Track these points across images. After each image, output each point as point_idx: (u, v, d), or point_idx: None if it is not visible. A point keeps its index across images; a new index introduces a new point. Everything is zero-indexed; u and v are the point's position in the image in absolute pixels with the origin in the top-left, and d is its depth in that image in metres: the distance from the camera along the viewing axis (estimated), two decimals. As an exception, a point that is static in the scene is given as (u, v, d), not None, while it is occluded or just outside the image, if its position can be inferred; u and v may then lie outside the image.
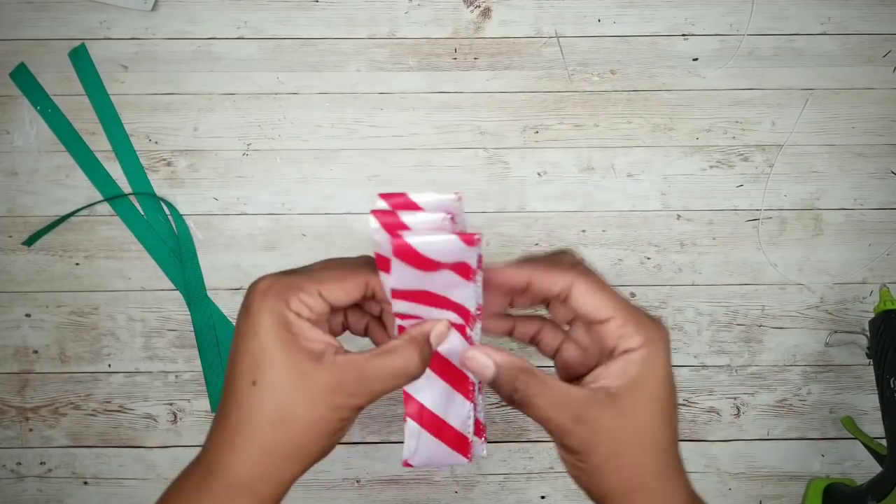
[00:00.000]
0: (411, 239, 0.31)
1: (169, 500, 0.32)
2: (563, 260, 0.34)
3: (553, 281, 0.32)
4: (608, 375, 0.31)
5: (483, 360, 0.33)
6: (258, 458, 0.30)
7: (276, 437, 0.30)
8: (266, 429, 0.30)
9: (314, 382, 0.30)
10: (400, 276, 0.32)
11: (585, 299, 0.32)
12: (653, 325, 0.32)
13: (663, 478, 0.32)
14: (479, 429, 0.37)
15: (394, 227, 0.32)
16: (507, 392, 0.32)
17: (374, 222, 0.32)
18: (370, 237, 0.32)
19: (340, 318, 0.36)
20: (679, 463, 0.33)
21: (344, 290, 0.33)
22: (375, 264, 0.33)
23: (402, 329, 0.35)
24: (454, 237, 0.31)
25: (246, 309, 0.31)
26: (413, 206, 0.33)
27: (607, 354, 0.32)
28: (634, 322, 0.31)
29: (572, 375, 0.36)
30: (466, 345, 0.35)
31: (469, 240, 0.31)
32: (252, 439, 0.30)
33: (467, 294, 0.33)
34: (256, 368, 0.30)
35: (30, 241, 0.66)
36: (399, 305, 0.33)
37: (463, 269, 0.32)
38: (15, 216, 0.67)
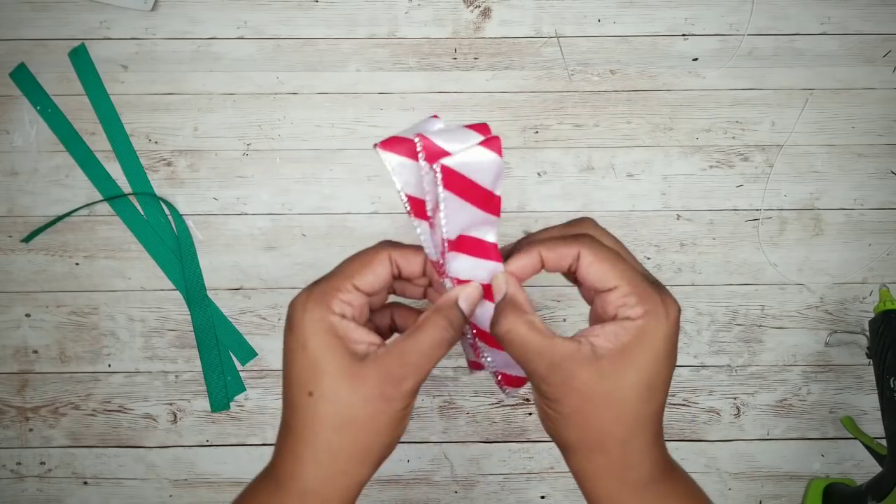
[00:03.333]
0: (450, 161, 0.30)
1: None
2: (573, 230, 0.34)
3: (561, 255, 0.32)
4: (600, 334, 0.31)
5: (501, 283, 0.33)
6: (326, 466, 0.31)
7: (340, 442, 0.31)
8: (329, 436, 0.31)
9: (364, 381, 0.31)
10: (450, 211, 0.32)
11: (590, 269, 0.32)
12: (658, 298, 0.31)
13: (627, 446, 0.32)
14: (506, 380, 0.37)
15: (435, 154, 0.31)
16: (497, 319, 0.32)
17: (396, 158, 0.32)
18: (391, 178, 0.32)
19: (387, 319, 0.37)
20: (654, 437, 0.32)
21: (373, 273, 0.33)
22: (411, 212, 0.33)
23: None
24: (479, 147, 0.31)
25: (290, 325, 0.32)
26: (420, 137, 0.32)
27: (605, 317, 0.32)
28: (639, 293, 0.31)
29: None
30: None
31: (492, 142, 0.31)
32: (317, 448, 0.31)
33: (492, 229, 0.33)
34: (310, 380, 0.31)
35: (28, 239, 0.66)
36: (445, 265, 0.33)
37: (490, 201, 0.32)
38: (15, 216, 0.67)
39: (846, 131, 0.68)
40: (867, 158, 0.68)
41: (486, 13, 0.68)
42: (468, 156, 0.30)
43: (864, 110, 0.68)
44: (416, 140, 0.31)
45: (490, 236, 0.33)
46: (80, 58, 0.67)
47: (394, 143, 0.31)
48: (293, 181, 0.67)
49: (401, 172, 0.32)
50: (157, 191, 0.67)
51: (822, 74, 0.68)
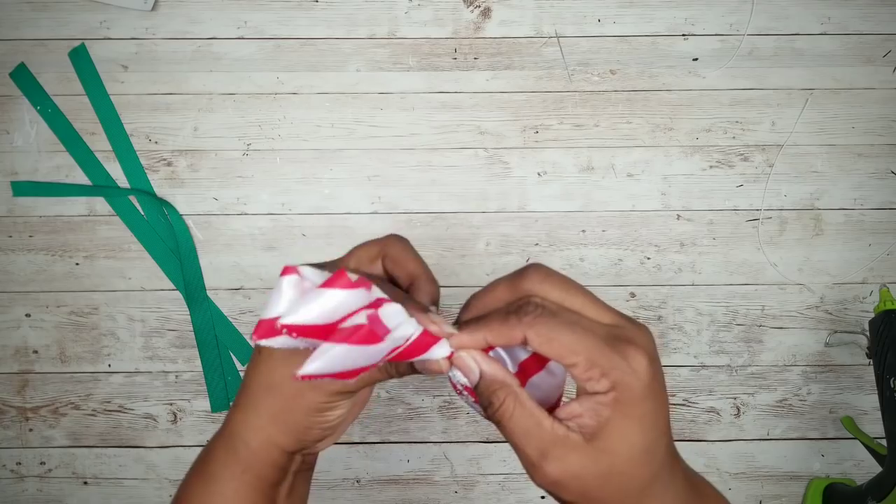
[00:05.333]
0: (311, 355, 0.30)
1: (202, 453, 0.36)
2: (518, 290, 0.32)
3: (509, 337, 0.31)
4: (582, 413, 0.30)
5: (469, 363, 0.32)
6: (253, 420, 0.34)
7: (265, 402, 0.34)
8: (257, 391, 0.34)
9: (300, 361, 0.32)
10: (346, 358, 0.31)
11: (543, 349, 0.30)
12: (620, 360, 0.29)
13: None
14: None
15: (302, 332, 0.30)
16: (484, 404, 0.32)
17: (279, 341, 0.31)
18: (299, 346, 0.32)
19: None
20: (669, 477, 0.31)
21: (367, 253, 0.35)
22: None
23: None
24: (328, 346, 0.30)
25: None
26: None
27: (580, 390, 0.31)
28: (600, 364, 0.29)
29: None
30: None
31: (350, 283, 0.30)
32: (247, 397, 0.35)
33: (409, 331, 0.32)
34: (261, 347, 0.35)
35: (17, 191, 0.66)
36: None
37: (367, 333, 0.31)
38: (15, 216, 0.67)
39: (846, 131, 0.68)
40: (867, 158, 0.68)
41: (486, 13, 0.68)
42: (321, 356, 0.30)
43: (864, 110, 0.68)
44: (280, 328, 0.30)
45: (410, 333, 0.31)
46: (80, 58, 0.67)
47: (263, 331, 0.31)
48: (293, 181, 0.67)
49: (295, 343, 0.31)
50: (158, 191, 0.67)
51: (822, 74, 0.68)
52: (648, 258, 0.68)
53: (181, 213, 0.67)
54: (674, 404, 0.68)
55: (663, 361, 0.68)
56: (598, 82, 0.68)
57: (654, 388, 0.30)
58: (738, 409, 0.68)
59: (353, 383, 0.33)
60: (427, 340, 0.32)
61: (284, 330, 0.30)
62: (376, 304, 0.30)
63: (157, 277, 0.67)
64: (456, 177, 0.68)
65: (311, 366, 0.30)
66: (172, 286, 0.67)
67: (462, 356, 0.32)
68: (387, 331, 0.31)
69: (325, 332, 0.31)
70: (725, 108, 0.68)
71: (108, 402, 0.68)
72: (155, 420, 0.68)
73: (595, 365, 0.29)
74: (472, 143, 0.68)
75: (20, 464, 0.68)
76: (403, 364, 0.33)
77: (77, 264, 0.67)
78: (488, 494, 0.68)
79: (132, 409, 0.68)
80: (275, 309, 0.31)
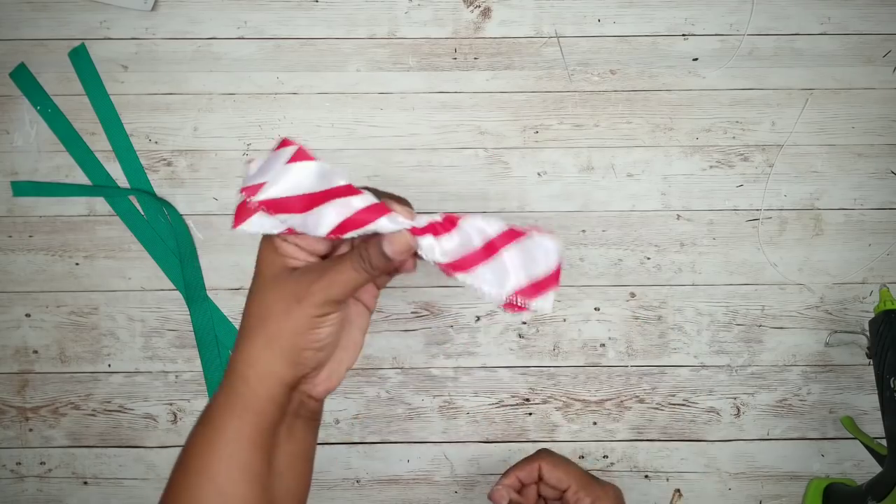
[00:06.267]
0: (264, 195, 0.35)
1: (208, 403, 0.38)
2: (533, 456, 0.52)
3: (531, 469, 0.51)
4: None
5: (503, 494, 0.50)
6: (247, 352, 0.36)
7: (257, 332, 0.36)
8: (251, 326, 0.37)
9: (285, 284, 0.36)
10: (308, 222, 0.36)
11: (551, 474, 0.50)
12: (599, 489, 0.49)
13: None
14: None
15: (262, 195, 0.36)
16: None
17: (255, 222, 0.37)
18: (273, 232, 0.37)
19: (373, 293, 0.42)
20: None
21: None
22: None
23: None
24: (286, 166, 0.36)
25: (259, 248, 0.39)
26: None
27: None
28: (586, 488, 0.49)
29: None
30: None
31: (297, 154, 0.36)
32: (243, 337, 0.37)
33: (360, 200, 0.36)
34: (253, 283, 0.38)
35: (17, 191, 0.66)
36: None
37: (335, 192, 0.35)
38: (15, 216, 0.67)
39: (846, 131, 0.68)
40: (867, 158, 0.68)
41: (486, 13, 0.68)
42: (273, 184, 0.35)
43: (864, 110, 0.68)
44: (243, 195, 0.36)
45: (359, 201, 0.35)
46: (80, 58, 0.67)
47: (240, 216, 0.36)
48: (293, 181, 0.67)
49: (269, 225, 0.36)
50: (158, 191, 0.67)
51: (822, 74, 0.68)
52: (648, 258, 0.68)
53: (181, 213, 0.67)
54: (674, 404, 0.68)
55: (663, 361, 0.68)
56: (598, 82, 0.68)
57: None
58: (738, 409, 0.68)
59: (337, 279, 0.35)
60: (379, 209, 0.35)
61: (262, 207, 0.35)
62: (348, 190, 0.35)
63: (157, 277, 0.67)
64: (456, 177, 0.68)
65: (263, 193, 0.35)
66: (172, 286, 0.67)
67: (499, 496, 0.52)
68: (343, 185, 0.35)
69: (299, 203, 0.35)
70: (725, 108, 0.68)
71: (108, 402, 0.68)
72: (155, 420, 0.68)
73: (582, 488, 0.49)
74: (472, 143, 0.68)
75: (20, 464, 0.68)
76: (374, 251, 0.35)
77: (77, 264, 0.67)
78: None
79: (132, 409, 0.68)
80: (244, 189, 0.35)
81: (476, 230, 0.35)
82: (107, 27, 0.67)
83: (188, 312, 0.67)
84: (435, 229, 0.35)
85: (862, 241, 0.68)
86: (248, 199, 0.35)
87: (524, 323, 0.68)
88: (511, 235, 0.36)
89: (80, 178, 0.67)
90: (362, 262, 0.35)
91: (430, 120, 0.67)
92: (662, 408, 0.68)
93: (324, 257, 0.38)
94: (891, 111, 0.68)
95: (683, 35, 0.68)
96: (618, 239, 0.68)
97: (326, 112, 0.67)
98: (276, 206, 0.35)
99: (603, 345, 0.68)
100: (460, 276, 0.35)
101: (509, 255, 0.35)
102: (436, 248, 0.35)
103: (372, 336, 0.68)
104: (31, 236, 0.67)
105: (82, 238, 0.67)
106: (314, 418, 0.40)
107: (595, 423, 0.68)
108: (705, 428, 0.68)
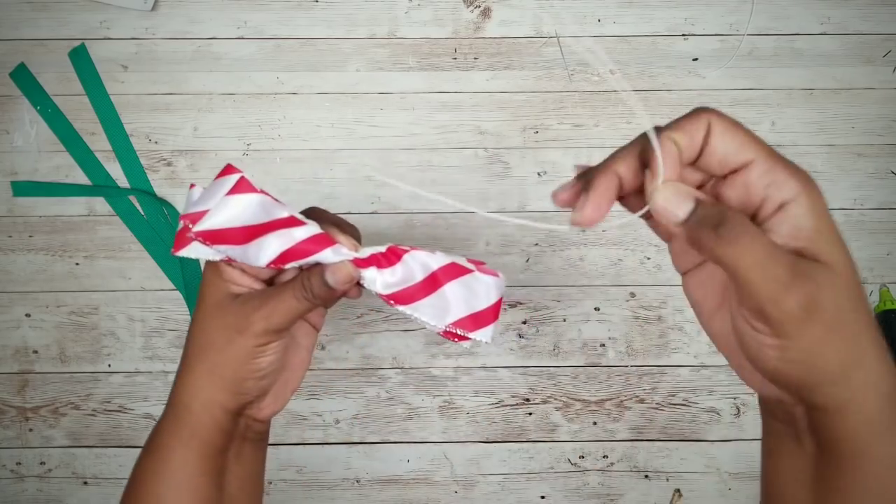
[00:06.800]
0: (202, 226, 0.35)
1: (152, 430, 0.38)
2: (693, 113, 0.29)
3: (694, 129, 0.27)
4: (787, 235, 0.25)
5: (678, 194, 0.27)
6: (190, 383, 0.36)
7: (199, 361, 0.36)
8: (193, 356, 0.36)
9: (227, 313, 0.36)
10: (249, 253, 0.35)
11: (724, 138, 0.27)
12: (802, 171, 0.26)
13: (879, 344, 0.26)
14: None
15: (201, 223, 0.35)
16: (711, 225, 0.26)
17: (193, 249, 0.36)
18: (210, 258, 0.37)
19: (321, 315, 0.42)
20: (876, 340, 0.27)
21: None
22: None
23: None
24: (226, 199, 0.35)
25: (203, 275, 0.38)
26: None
27: (756, 207, 0.26)
28: (783, 165, 0.26)
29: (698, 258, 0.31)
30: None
31: (239, 184, 0.35)
32: (185, 366, 0.37)
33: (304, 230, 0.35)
34: (196, 310, 0.37)
35: (17, 191, 0.66)
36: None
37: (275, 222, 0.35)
38: (15, 216, 0.67)
39: (846, 131, 0.68)
40: (867, 158, 0.68)
41: (486, 13, 0.68)
42: (213, 215, 0.34)
43: (864, 110, 0.68)
44: (182, 223, 0.35)
45: (301, 232, 0.35)
46: (80, 58, 0.67)
47: (180, 243, 0.35)
48: (293, 181, 0.67)
49: (209, 252, 0.36)
50: (158, 191, 0.67)
51: (822, 74, 0.68)
52: (648, 258, 0.68)
53: (181, 213, 0.67)
54: (674, 404, 0.68)
55: (663, 361, 0.68)
56: (598, 82, 0.68)
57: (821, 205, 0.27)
58: (738, 409, 0.68)
59: (278, 308, 0.35)
60: (322, 240, 0.34)
61: (199, 238, 0.34)
62: (291, 222, 0.35)
63: (157, 277, 0.67)
64: (456, 177, 0.68)
65: (202, 224, 0.34)
66: (172, 286, 0.67)
67: (667, 188, 0.27)
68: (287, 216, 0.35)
69: (238, 235, 0.34)
70: (725, 108, 0.68)
71: (108, 402, 0.68)
72: (155, 420, 0.68)
73: (778, 165, 0.26)
74: (472, 142, 0.68)
75: (20, 464, 0.68)
76: (316, 281, 0.34)
77: (77, 264, 0.67)
78: (488, 494, 0.68)
79: (132, 409, 0.68)
80: (183, 218, 0.35)
81: (419, 264, 0.36)
82: (107, 27, 0.67)
83: (188, 312, 0.67)
84: (378, 261, 0.36)
85: (862, 241, 0.68)
86: (187, 226, 0.35)
87: (524, 323, 0.68)
88: (454, 270, 0.36)
89: (80, 178, 0.67)
90: (304, 291, 0.35)
91: (430, 120, 0.67)
92: (662, 408, 0.68)
93: (269, 282, 0.38)
94: (891, 111, 0.68)
95: (683, 35, 0.68)
96: (618, 239, 0.68)
97: (326, 112, 0.67)
98: (214, 238, 0.35)
99: (603, 345, 0.68)
100: (401, 308, 0.36)
101: (451, 289, 0.36)
102: (377, 280, 0.36)
103: (372, 336, 0.68)
104: (31, 236, 0.67)
105: (82, 238, 0.67)
106: (262, 439, 0.40)
107: (595, 423, 0.68)
108: (705, 428, 0.68)
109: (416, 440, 0.68)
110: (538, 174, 0.68)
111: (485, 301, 0.36)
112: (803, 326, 0.25)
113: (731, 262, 0.25)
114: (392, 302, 0.36)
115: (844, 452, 0.27)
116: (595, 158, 0.68)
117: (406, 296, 0.36)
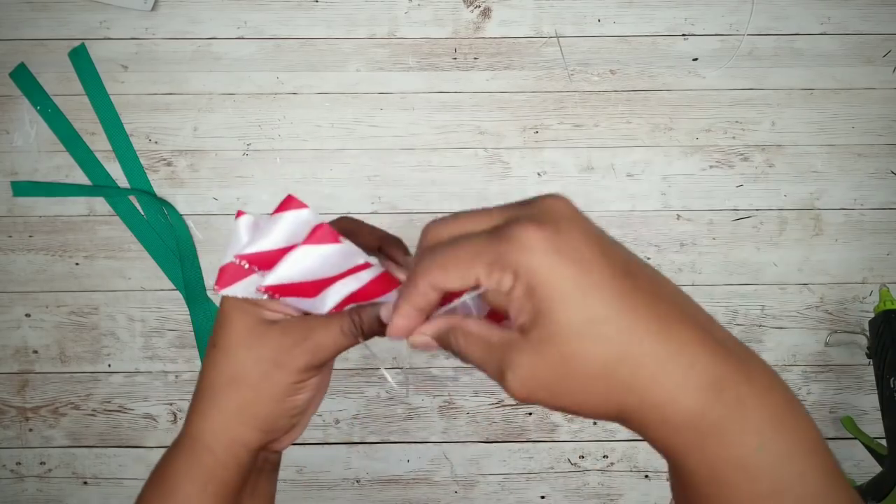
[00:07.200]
0: (271, 279, 0.30)
1: (160, 464, 0.35)
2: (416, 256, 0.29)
3: (421, 294, 0.28)
4: (517, 311, 0.26)
5: (424, 340, 0.29)
6: (213, 419, 0.32)
7: (228, 397, 0.32)
8: (220, 388, 0.32)
9: (263, 343, 0.32)
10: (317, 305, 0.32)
11: (449, 284, 0.27)
12: (509, 248, 0.25)
13: (631, 389, 0.25)
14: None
15: (263, 261, 0.31)
16: (452, 353, 0.29)
17: (239, 288, 0.32)
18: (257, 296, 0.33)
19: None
20: (666, 352, 0.25)
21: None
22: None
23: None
24: (294, 253, 0.30)
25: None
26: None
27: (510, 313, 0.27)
28: (495, 262, 0.25)
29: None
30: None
31: (318, 231, 0.30)
32: (208, 399, 0.32)
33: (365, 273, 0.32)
34: (217, 333, 0.33)
35: (17, 191, 0.66)
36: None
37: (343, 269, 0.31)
38: (15, 216, 0.67)
39: (846, 131, 0.68)
40: (867, 158, 0.68)
41: (486, 13, 0.68)
42: (286, 268, 0.30)
43: (864, 110, 0.68)
44: (238, 262, 0.31)
45: (367, 273, 0.31)
46: (80, 58, 0.67)
47: (226, 278, 0.31)
48: (293, 181, 0.67)
49: (252, 290, 0.32)
50: (158, 191, 0.67)
51: (822, 74, 0.68)
52: (648, 258, 0.68)
53: (181, 213, 0.67)
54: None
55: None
56: (598, 82, 0.68)
57: (564, 254, 0.25)
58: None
59: (324, 344, 0.31)
60: (387, 281, 0.31)
61: (269, 292, 0.30)
62: (362, 266, 0.31)
63: (157, 277, 0.67)
64: (456, 177, 0.68)
65: (272, 276, 0.30)
66: (172, 286, 0.67)
67: (415, 341, 0.29)
68: (353, 259, 0.31)
69: (313, 288, 0.31)
70: (725, 108, 0.68)
71: (108, 402, 0.68)
72: (155, 420, 0.68)
73: (491, 266, 0.25)
74: (472, 143, 0.68)
75: (20, 464, 0.68)
76: (368, 318, 0.31)
77: (77, 264, 0.67)
78: (488, 494, 0.68)
79: (132, 409, 0.68)
80: (235, 249, 0.31)
81: (473, 305, 0.32)
82: (107, 27, 0.67)
83: (188, 312, 0.67)
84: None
85: (862, 241, 0.68)
86: (240, 264, 0.31)
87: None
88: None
89: (80, 178, 0.67)
90: (353, 327, 0.31)
91: (430, 120, 0.67)
92: (662, 408, 0.68)
93: None
94: (891, 111, 0.68)
95: (683, 35, 0.68)
96: (618, 239, 0.68)
97: (326, 112, 0.67)
98: (284, 291, 0.31)
99: (603, 345, 0.68)
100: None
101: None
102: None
103: (372, 336, 0.68)
104: (31, 236, 0.67)
105: (82, 238, 0.67)
106: (275, 469, 0.38)
107: (595, 423, 0.68)
108: (705, 428, 0.68)
109: (416, 440, 0.68)
110: (538, 174, 0.68)
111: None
112: (543, 400, 0.26)
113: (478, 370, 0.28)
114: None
115: (677, 466, 0.26)
116: (595, 158, 0.68)
117: None
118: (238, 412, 0.32)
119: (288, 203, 0.30)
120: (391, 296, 0.31)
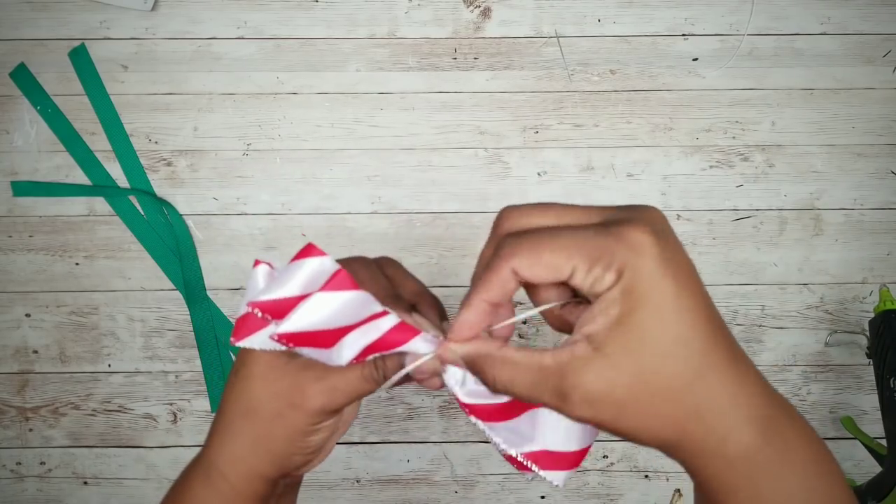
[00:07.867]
0: (285, 327, 0.29)
1: (178, 484, 0.34)
2: (496, 254, 0.27)
3: (501, 283, 0.27)
4: (589, 320, 0.25)
5: (449, 354, 0.29)
6: (229, 447, 0.32)
7: (242, 427, 0.31)
8: (236, 417, 0.32)
9: (281, 378, 0.30)
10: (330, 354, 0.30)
11: (536, 275, 0.25)
12: (621, 247, 0.24)
13: (700, 416, 0.25)
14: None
15: (278, 310, 0.30)
16: (484, 382, 0.28)
17: (256, 340, 0.30)
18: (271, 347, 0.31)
19: None
20: (711, 388, 0.25)
21: (367, 270, 0.33)
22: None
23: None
24: (308, 302, 0.29)
25: None
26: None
27: (592, 300, 0.26)
28: (599, 258, 0.24)
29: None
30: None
31: (336, 278, 0.29)
32: (225, 426, 0.32)
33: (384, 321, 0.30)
34: (239, 359, 0.32)
35: (17, 191, 0.66)
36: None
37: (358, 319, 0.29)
38: (15, 216, 0.67)
39: (846, 131, 0.68)
40: (867, 158, 0.68)
41: (486, 13, 0.68)
42: (300, 315, 0.29)
43: (864, 110, 0.68)
44: (252, 310, 0.29)
45: (386, 322, 0.30)
46: (80, 58, 0.67)
47: (243, 330, 0.30)
48: (293, 181, 0.67)
49: (268, 341, 0.30)
50: (158, 191, 0.67)
51: (822, 74, 0.68)
52: (648, 258, 0.68)
53: (181, 213, 0.67)
54: (674, 404, 0.68)
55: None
56: (598, 82, 0.68)
57: (670, 268, 0.24)
58: (738, 409, 0.68)
59: (341, 387, 0.30)
60: (406, 329, 0.30)
61: (282, 341, 0.29)
62: (380, 314, 0.29)
63: (157, 277, 0.67)
64: (456, 177, 0.68)
65: (286, 324, 0.28)
66: (172, 286, 0.67)
67: (448, 348, 0.29)
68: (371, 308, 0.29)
69: (330, 338, 0.29)
70: (725, 108, 0.68)
71: (108, 402, 0.68)
72: (155, 420, 0.68)
73: (594, 261, 0.24)
74: (472, 143, 0.68)
75: (20, 464, 0.68)
76: (392, 366, 0.30)
77: (77, 264, 0.67)
78: (488, 494, 0.68)
79: (132, 409, 0.68)
80: (250, 297, 0.30)
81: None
82: (107, 27, 0.67)
83: (188, 312, 0.67)
84: None
85: (862, 241, 0.68)
86: (255, 314, 0.29)
87: (524, 322, 0.68)
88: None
89: (80, 178, 0.67)
90: (375, 373, 0.30)
91: (430, 120, 0.67)
92: (662, 408, 0.68)
93: None
94: (891, 111, 0.68)
95: (683, 35, 0.68)
96: (618, 239, 0.68)
97: (326, 112, 0.67)
98: (299, 340, 0.29)
99: (603, 345, 0.68)
100: (476, 421, 0.31)
101: (546, 416, 0.31)
102: (464, 382, 0.31)
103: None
104: (31, 236, 0.67)
105: (82, 238, 0.67)
106: (296, 490, 0.37)
107: (595, 423, 0.68)
108: (705, 428, 0.68)
109: (416, 440, 0.68)
110: (538, 174, 0.68)
111: (575, 444, 0.31)
112: (600, 423, 0.25)
113: (520, 400, 0.29)
114: (469, 412, 0.31)
115: (718, 500, 0.26)
116: (595, 158, 0.68)
117: (485, 412, 0.31)
118: (253, 445, 0.31)
119: (307, 251, 0.29)
120: (411, 345, 0.30)
